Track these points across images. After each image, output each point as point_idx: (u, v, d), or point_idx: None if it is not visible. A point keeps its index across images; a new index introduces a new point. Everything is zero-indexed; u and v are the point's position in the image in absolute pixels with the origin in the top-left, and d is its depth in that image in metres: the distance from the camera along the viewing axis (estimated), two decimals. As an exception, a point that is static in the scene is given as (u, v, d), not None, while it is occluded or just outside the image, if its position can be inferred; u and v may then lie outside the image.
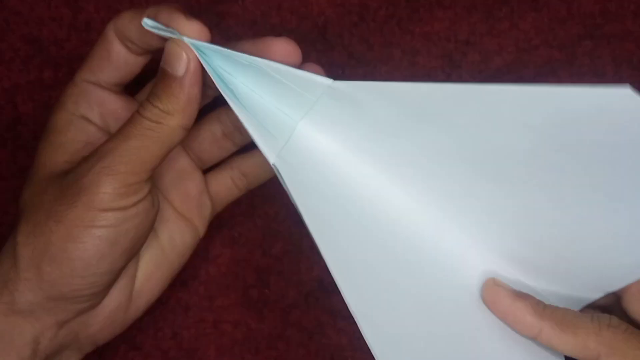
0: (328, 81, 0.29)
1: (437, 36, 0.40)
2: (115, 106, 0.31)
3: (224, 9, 0.40)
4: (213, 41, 0.29)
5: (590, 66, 0.40)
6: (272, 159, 0.29)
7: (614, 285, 0.33)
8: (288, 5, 0.40)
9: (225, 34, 0.40)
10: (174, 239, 0.34)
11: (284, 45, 0.30)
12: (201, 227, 0.35)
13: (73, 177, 0.28)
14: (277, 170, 0.29)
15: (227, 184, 0.36)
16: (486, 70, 0.40)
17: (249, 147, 0.36)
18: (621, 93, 0.27)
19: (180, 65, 0.28)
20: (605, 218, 0.31)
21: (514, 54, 0.40)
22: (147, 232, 0.30)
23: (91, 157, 0.28)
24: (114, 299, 0.31)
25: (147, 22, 0.29)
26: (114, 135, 0.28)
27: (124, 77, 0.32)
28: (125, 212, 0.28)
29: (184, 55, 0.28)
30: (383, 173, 0.29)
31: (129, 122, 0.28)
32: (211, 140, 0.35)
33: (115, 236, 0.28)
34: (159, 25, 0.29)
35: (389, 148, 0.30)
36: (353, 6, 0.40)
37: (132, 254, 0.30)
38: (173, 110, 0.28)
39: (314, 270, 0.41)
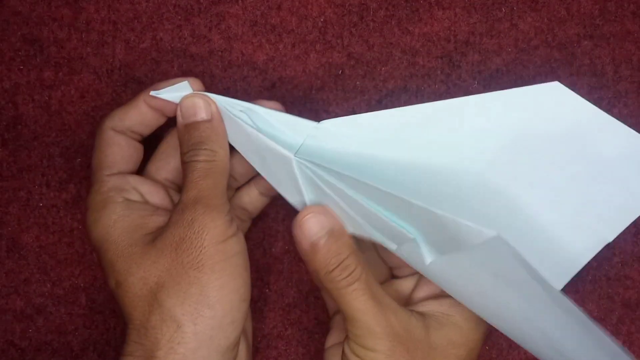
0: (313, 124, 0.33)
1: (437, 36, 0.40)
2: (145, 186, 0.36)
3: (224, 9, 0.40)
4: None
5: (590, 66, 0.40)
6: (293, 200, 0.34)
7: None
8: (288, 5, 0.40)
9: (226, 34, 0.40)
10: None
11: (273, 106, 0.36)
12: (247, 255, 0.37)
13: (181, 230, 0.32)
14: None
15: (254, 195, 0.39)
16: (486, 71, 0.40)
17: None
18: (551, 86, 0.32)
19: (205, 112, 0.33)
20: (552, 207, 0.34)
21: (514, 54, 0.40)
22: (248, 260, 0.34)
23: (185, 208, 0.32)
24: (241, 353, 0.35)
25: (153, 93, 0.34)
26: (186, 188, 0.32)
27: (144, 130, 0.36)
28: (237, 237, 0.32)
29: (203, 103, 0.33)
30: (364, 192, 0.32)
31: (190, 172, 0.32)
32: None
33: (243, 261, 0.33)
34: (161, 92, 0.33)
35: (368, 170, 0.33)
36: (353, 6, 0.40)
37: (250, 283, 0.34)
38: (217, 146, 0.33)
39: (313, 270, 0.41)
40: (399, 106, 0.39)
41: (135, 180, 0.35)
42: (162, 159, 0.37)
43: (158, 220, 0.34)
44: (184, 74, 0.40)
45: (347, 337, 0.33)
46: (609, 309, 0.41)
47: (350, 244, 0.33)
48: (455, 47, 0.40)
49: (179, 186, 0.37)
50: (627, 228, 0.40)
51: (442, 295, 0.34)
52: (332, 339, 0.37)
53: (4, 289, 0.41)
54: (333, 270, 0.32)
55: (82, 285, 0.41)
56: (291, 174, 0.33)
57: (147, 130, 0.36)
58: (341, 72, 0.40)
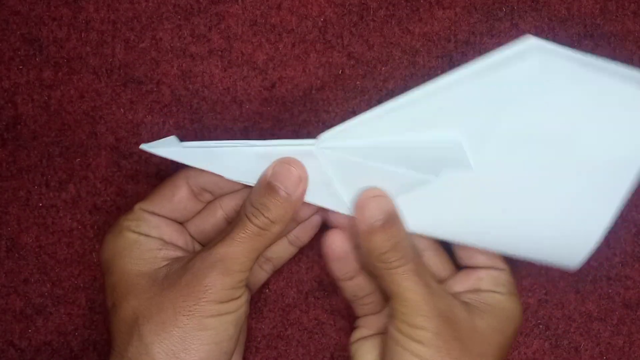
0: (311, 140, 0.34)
1: (437, 36, 0.40)
2: (169, 229, 0.36)
3: (224, 9, 0.40)
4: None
5: (590, 66, 0.40)
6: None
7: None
8: (288, 5, 0.40)
9: (225, 33, 0.40)
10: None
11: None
12: (247, 309, 0.38)
13: (192, 277, 0.33)
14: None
15: (256, 270, 0.39)
16: (486, 70, 0.40)
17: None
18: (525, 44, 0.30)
19: (292, 186, 0.33)
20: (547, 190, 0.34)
21: (514, 54, 0.40)
22: (247, 305, 0.35)
23: (207, 258, 0.33)
24: None
25: (143, 147, 0.34)
26: (227, 239, 0.33)
27: (179, 217, 0.37)
28: (240, 300, 0.34)
29: (297, 177, 0.34)
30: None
31: (240, 228, 0.33)
32: None
33: (236, 319, 0.34)
34: (152, 146, 0.34)
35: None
36: (353, 6, 0.40)
37: (240, 334, 0.35)
38: (279, 220, 0.33)
39: (314, 270, 0.41)
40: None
41: (161, 222, 0.36)
42: (205, 216, 0.37)
43: (169, 254, 0.35)
44: (183, 73, 0.40)
45: (392, 319, 0.34)
46: (609, 309, 0.41)
47: (403, 228, 0.34)
48: (455, 46, 0.40)
49: (205, 243, 0.38)
50: (627, 228, 0.40)
51: (480, 289, 0.36)
52: (360, 333, 0.38)
53: (3, 289, 0.41)
54: (387, 252, 0.33)
55: (81, 285, 0.41)
56: (316, 169, 0.34)
57: (217, 195, 0.37)
58: (341, 72, 0.40)
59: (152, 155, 0.40)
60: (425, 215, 0.36)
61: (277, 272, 0.41)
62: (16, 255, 0.41)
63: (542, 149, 0.33)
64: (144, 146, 0.34)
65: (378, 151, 0.33)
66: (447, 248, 0.38)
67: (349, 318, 0.41)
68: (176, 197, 0.36)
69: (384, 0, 0.40)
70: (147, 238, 0.35)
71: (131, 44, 0.40)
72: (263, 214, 0.33)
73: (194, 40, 0.40)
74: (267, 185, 0.34)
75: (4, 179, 0.40)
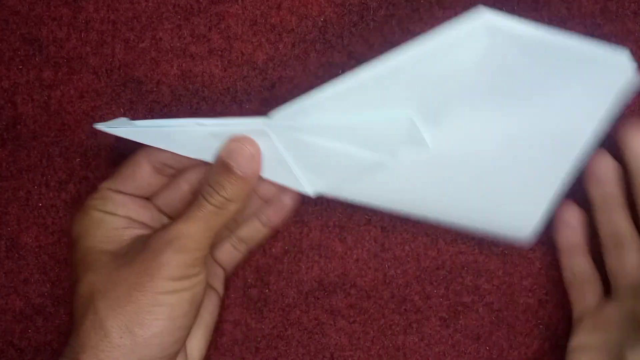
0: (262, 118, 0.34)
1: (437, 36, 0.39)
2: (135, 206, 0.36)
3: (224, 9, 0.40)
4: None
5: (591, 66, 0.40)
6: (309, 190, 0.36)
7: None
8: (288, 5, 0.40)
9: (225, 33, 0.40)
10: (206, 303, 0.38)
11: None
12: (220, 290, 0.39)
13: (148, 254, 0.33)
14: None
15: (229, 250, 0.39)
16: (486, 70, 0.40)
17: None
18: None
19: (246, 165, 0.34)
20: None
21: (514, 54, 0.40)
22: (205, 292, 0.36)
23: (163, 236, 0.33)
24: None
25: (97, 125, 0.35)
26: (184, 217, 0.33)
27: (146, 192, 0.37)
28: (196, 278, 0.34)
29: (250, 154, 0.34)
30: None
31: (197, 206, 0.33)
32: None
33: (192, 296, 0.34)
34: (105, 124, 0.35)
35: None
36: (353, 6, 0.40)
37: (198, 311, 0.36)
38: (235, 199, 0.34)
39: (314, 270, 0.41)
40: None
41: (127, 199, 0.36)
42: (171, 190, 0.37)
43: (134, 232, 0.35)
44: (183, 73, 0.40)
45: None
46: (609, 309, 0.41)
47: None
48: (455, 46, 0.40)
49: (172, 215, 0.38)
50: (628, 228, 0.40)
51: None
52: (579, 339, 0.37)
53: (3, 289, 0.41)
54: None
55: (81, 285, 0.41)
56: (269, 147, 0.34)
57: (179, 169, 0.37)
58: (341, 72, 0.40)
59: (152, 155, 0.40)
60: (387, 193, 0.36)
61: (277, 272, 0.41)
62: (16, 255, 0.41)
63: (493, 123, 0.34)
64: (97, 125, 0.35)
65: (330, 130, 0.34)
66: None
67: (349, 318, 0.41)
68: (138, 174, 0.36)
69: (384, 0, 0.39)
70: (113, 217, 0.35)
71: (131, 44, 0.40)
72: (218, 193, 0.34)
73: (194, 40, 0.40)
74: (221, 164, 0.34)
75: (4, 179, 0.40)
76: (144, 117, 0.40)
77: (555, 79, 0.32)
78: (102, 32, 0.40)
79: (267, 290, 0.41)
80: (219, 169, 0.34)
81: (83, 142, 0.40)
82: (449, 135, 0.34)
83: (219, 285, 0.39)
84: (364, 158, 0.35)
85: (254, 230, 0.38)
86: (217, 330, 0.41)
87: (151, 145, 0.35)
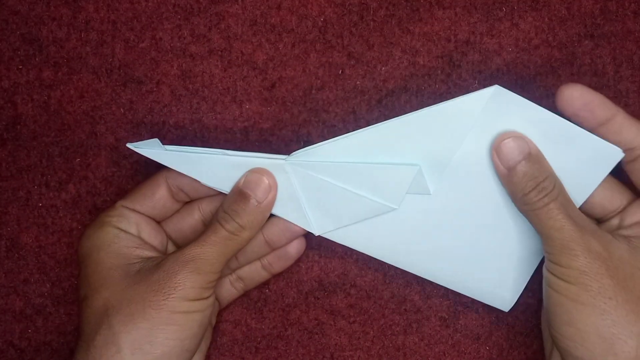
0: (283, 158, 0.36)
1: (437, 36, 0.39)
2: (147, 227, 0.37)
3: (224, 9, 0.40)
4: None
5: (591, 66, 0.40)
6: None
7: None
8: (288, 5, 0.39)
9: (225, 33, 0.40)
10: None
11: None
12: (213, 321, 0.40)
13: (163, 274, 0.34)
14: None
15: (227, 287, 0.40)
16: (486, 70, 0.40)
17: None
18: (493, 91, 0.33)
19: (263, 194, 0.36)
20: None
21: (514, 54, 0.40)
22: (213, 316, 0.38)
23: (179, 257, 0.34)
24: None
25: (130, 145, 0.36)
26: (199, 241, 0.35)
27: (157, 215, 0.38)
28: (207, 301, 0.35)
29: (267, 186, 0.36)
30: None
31: (212, 231, 0.35)
32: None
33: (202, 319, 0.35)
34: (138, 145, 0.36)
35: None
36: (353, 6, 0.39)
37: (204, 335, 0.36)
38: (249, 226, 0.35)
39: (314, 270, 0.41)
40: (399, 106, 0.39)
41: (141, 220, 0.37)
42: (183, 217, 0.38)
43: (144, 253, 0.36)
44: (183, 73, 0.40)
45: (545, 259, 0.34)
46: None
47: (547, 166, 0.34)
48: (455, 46, 0.40)
49: (180, 243, 0.39)
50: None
51: None
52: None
53: (3, 289, 0.41)
54: (529, 192, 0.33)
55: (81, 285, 0.41)
56: (285, 182, 0.36)
57: (193, 197, 0.38)
58: (341, 72, 0.40)
59: (152, 155, 0.40)
60: (384, 243, 0.38)
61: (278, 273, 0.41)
62: (16, 255, 0.41)
63: (486, 186, 0.36)
64: (130, 145, 0.35)
65: (344, 171, 0.36)
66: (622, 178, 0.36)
67: (349, 318, 0.41)
68: (156, 195, 0.37)
69: (384, 0, 0.39)
70: (126, 234, 0.36)
71: (131, 43, 0.40)
72: (234, 219, 0.35)
73: (194, 40, 0.40)
74: (238, 192, 0.36)
75: (4, 179, 0.40)
76: (144, 117, 0.40)
77: (548, 150, 0.34)
78: (102, 32, 0.40)
79: (267, 290, 0.41)
80: (236, 196, 0.36)
81: (83, 142, 0.40)
82: (448, 190, 0.36)
83: (213, 317, 0.40)
84: (372, 202, 0.36)
85: (254, 272, 0.39)
86: (217, 330, 0.41)
87: (176, 169, 0.36)
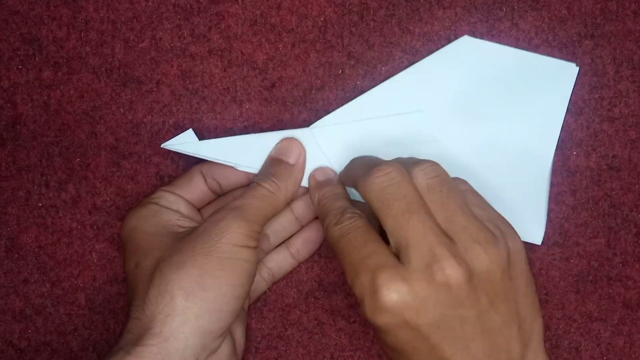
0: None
1: (437, 36, 0.39)
2: (187, 207, 0.38)
3: (224, 9, 0.39)
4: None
5: (591, 65, 0.40)
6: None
7: None
8: (288, 5, 0.39)
9: (225, 33, 0.40)
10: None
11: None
12: (246, 305, 0.40)
13: (209, 224, 0.35)
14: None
15: (257, 278, 0.40)
16: (486, 70, 0.40)
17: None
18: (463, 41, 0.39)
19: (295, 156, 0.38)
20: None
21: (514, 54, 0.40)
22: (255, 275, 0.37)
23: (222, 210, 0.35)
24: (224, 349, 0.36)
25: (164, 145, 0.39)
26: (240, 197, 0.36)
27: (194, 200, 0.39)
28: (253, 251, 0.35)
29: (297, 149, 0.38)
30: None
31: (251, 189, 0.36)
32: None
33: (248, 269, 0.35)
34: (172, 143, 0.39)
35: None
36: (353, 6, 0.39)
37: (249, 289, 0.36)
38: (284, 187, 0.37)
39: (314, 270, 0.41)
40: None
41: (180, 200, 0.38)
42: (218, 203, 0.39)
43: (186, 223, 0.37)
44: (183, 73, 0.40)
45: None
46: (610, 309, 0.41)
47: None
48: (455, 46, 0.40)
49: None
50: (628, 228, 0.40)
51: None
52: None
53: (2, 289, 0.41)
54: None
55: (81, 285, 0.41)
56: (312, 149, 0.39)
57: (226, 188, 0.39)
58: (341, 72, 0.40)
59: (151, 155, 0.40)
60: None
61: (277, 272, 0.41)
62: (16, 255, 0.41)
63: (484, 126, 0.39)
64: (165, 145, 0.38)
65: (361, 125, 0.39)
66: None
67: (349, 318, 0.41)
68: (194, 183, 0.38)
69: (384, 0, 0.39)
70: (168, 210, 0.37)
71: (131, 43, 0.40)
72: (269, 179, 0.37)
73: (194, 40, 0.40)
74: (272, 159, 0.38)
75: (4, 179, 0.40)
76: (144, 117, 0.40)
77: (519, 84, 0.39)
78: (102, 31, 0.40)
79: (267, 291, 0.41)
80: (270, 162, 0.38)
81: (83, 142, 0.40)
82: (452, 136, 0.39)
83: (245, 305, 0.40)
84: (389, 154, 0.37)
85: (282, 259, 0.40)
86: (217, 331, 0.41)
87: (211, 158, 0.38)
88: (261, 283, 0.40)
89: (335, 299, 0.41)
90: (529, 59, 0.39)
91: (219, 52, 0.40)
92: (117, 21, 0.40)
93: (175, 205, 0.38)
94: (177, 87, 0.40)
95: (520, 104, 0.39)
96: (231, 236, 0.34)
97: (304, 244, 0.40)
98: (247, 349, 0.41)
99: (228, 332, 0.36)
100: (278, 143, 0.38)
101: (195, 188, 0.38)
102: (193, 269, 0.34)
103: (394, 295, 0.30)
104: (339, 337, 0.41)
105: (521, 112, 0.39)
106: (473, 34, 0.39)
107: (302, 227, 0.40)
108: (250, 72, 0.40)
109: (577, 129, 0.40)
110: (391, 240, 0.32)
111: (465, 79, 0.39)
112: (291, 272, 0.41)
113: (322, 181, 0.38)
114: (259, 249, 0.38)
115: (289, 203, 0.39)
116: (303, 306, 0.41)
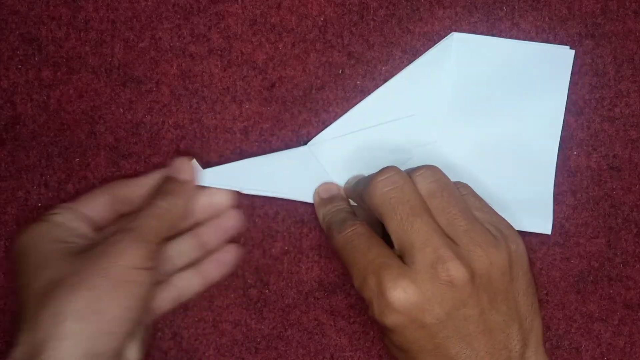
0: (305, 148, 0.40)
1: (438, 35, 0.39)
2: (85, 224, 0.38)
3: (224, 9, 0.39)
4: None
5: (591, 65, 0.40)
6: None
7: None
8: (288, 5, 0.39)
9: (225, 33, 0.39)
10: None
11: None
12: (152, 293, 0.39)
13: (106, 246, 0.34)
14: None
15: (162, 294, 0.39)
16: (487, 70, 0.40)
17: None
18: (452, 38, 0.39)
19: (185, 174, 0.38)
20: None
21: (515, 54, 0.40)
22: (151, 296, 0.37)
23: (119, 230, 0.35)
24: None
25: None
26: (136, 217, 0.36)
27: (96, 218, 0.38)
28: (149, 272, 0.35)
29: (189, 168, 0.38)
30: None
31: (147, 209, 0.36)
32: None
33: (146, 290, 0.35)
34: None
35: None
36: (353, 5, 0.39)
37: (143, 311, 0.36)
38: (178, 203, 0.37)
39: (314, 270, 0.41)
40: (400, 106, 0.40)
41: (79, 215, 0.38)
42: (118, 223, 0.39)
43: (82, 240, 0.36)
44: (183, 73, 0.40)
45: None
46: (610, 309, 0.41)
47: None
48: (456, 46, 0.39)
49: None
50: (628, 228, 0.40)
51: None
52: None
53: (2, 289, 0.41)
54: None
55: (81, 285, 0.41)
56: (312, 167, 0.39)
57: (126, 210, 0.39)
58: (341, 72, 0.40)
59: (151, 155, 0.40)
60: None
61: (277, 273, 0.40)
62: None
63: (482, 123, 0.39)
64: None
65: (358, 137, 0.39)
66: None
67: (349, 318, 0.41)
68: (96, 199, 0.38)
69: (384, 0, 0.39)
70: (65, 225, 0.37)
71: (130, 43, 0.40)
72: (165, 197, 0.37)
73: (194, 39, 0.40)
74: (165, 178, 0.38)
75: (3, 179, 0.40)
76: (144, 117, 0.40)
77: (516, 75, 0.39)
78: (102, 31, 0.40)
79: (267, 291, 0.41)
80: (163, 181, 0.38)
81: (82, 142, 0.40)
82: (451, 136, 0.39)
83: (148, 320, 0.39)
84: (389, 158, 0.38)
85: (189, 279, 0.39)
86: (217, 331, 0.41)
87: (216, 185, 0.39)
88: (166, 300, 0.39)
89: (335, 299, 0.41)
90: (522, 48, 0.39)
91: (219, 52, 0.40)
92: (117, 21, 0.40)
93: (74, 222, 0.37)
94: (177, 87, 0.40)
95: (520, 94, 0.39)
96: (127, 258, 0.34)
97: (212, 263, 0.39)
98: (247, 349, 0.41)
99: (121, 351, 0.35)
100: (174, 162, 0.38)
101: (97, 206, 0.38)
102: (87, 290, 0.33)
103: (401, 295, 0.31)
104: (339, 338, 0.41)
105: (522, 103, 0.39)
106: (474, 34, 0.39)
107: (210, 251, 0.39)
108: (250, 72, 0.40)
109: (578, 129, 0.40)
110: (395, 243, 0.33)
111: (459, 75, 0.39)
112: (291, 273, 0.41)
113: (326, 198, 0.39)
114: (161, 270, 0.38)
115: (185, 219, 0.38)
116: (303, 306, 0.41)
